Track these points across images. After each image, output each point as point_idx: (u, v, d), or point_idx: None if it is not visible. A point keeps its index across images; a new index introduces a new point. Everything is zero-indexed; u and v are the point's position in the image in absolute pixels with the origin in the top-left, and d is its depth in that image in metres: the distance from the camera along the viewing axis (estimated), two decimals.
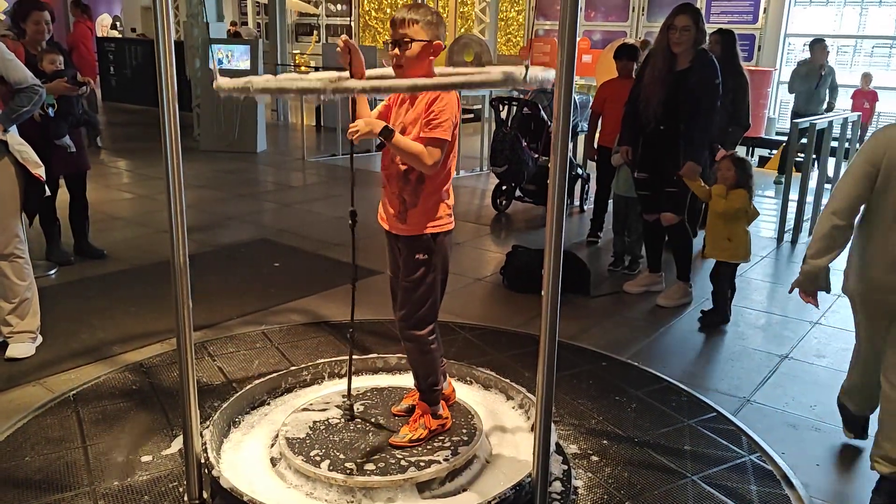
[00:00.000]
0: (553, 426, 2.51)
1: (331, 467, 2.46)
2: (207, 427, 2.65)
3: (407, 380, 3.24)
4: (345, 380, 3.21)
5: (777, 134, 11.90)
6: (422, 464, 2.49)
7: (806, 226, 6.45)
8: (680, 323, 4.37)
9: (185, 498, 2.49)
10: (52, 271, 4.85)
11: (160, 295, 4.39)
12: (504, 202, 7.08)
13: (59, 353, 3.63)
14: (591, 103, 6.56)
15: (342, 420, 2.77)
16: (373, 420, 2.78)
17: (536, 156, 6.70)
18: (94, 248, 5.20)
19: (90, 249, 5.18)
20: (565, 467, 2.72)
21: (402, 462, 2.50)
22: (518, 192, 7.00)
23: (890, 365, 2.59)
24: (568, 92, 2.10)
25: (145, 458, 2.75)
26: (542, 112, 6.75)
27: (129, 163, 9.26)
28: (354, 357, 3.38)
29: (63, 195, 5.01)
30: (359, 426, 2.74)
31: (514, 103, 6.94)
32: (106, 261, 5.14)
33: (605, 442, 2.95)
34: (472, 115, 12.73)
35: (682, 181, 4.30)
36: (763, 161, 10.77)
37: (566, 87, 2.06)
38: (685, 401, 3.30)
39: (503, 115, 6.94)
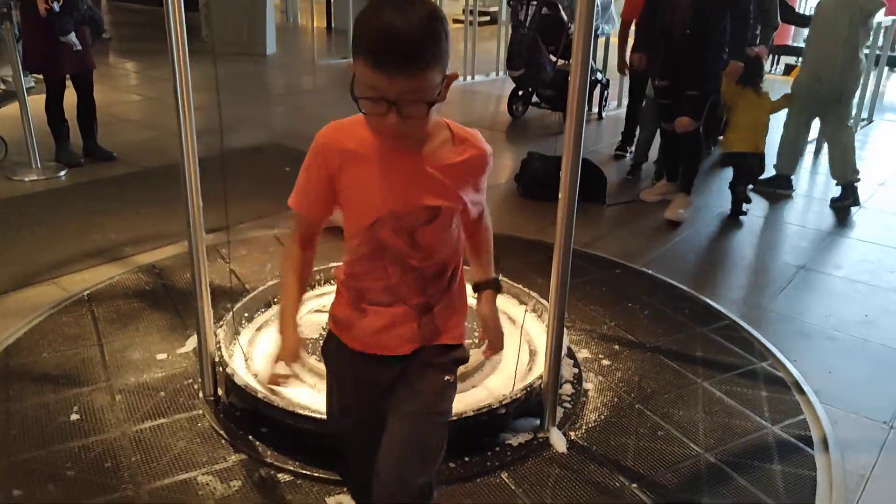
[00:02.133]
0: (565, 331, 2.51)
1: None
2: (221, 326, 2.66)
3: None
4: None
5: (805, 41, 11.47)
6: None
7: None
8: (695, 232, 4.31)
9: (201, 394, 2.53)
10: (62, 173, 4.82)
11: (171, 198, 4.36)
12: (520, 108, 6.91)
13: (72, 254, 3.64)
14: (612, 6, 6.30)
15: None
16: None
17: (555, 59, 6.49)
18: (104, 150, 5.15)
19: (99, 151, 5.13)
20: (576, 371, 2.74)
21: None
22: (535, 98, 6.82)
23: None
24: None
25: (160, 356, 2.78)
26: (562, 13, 6.48)
27: (136, 64, 9.08)
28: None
29: (70, 96, 4.92)
30: None
31: (532, 3, 6.66)
32: (116, 163, 5.09)
33: (616, 347, 2.96)
34: (488, 18, 12.32)
35: (703, 86, 4.19)
36: (789, 69, 10.42)
37: None
38: (698, 308, 3.29)
39: (521, 15, 6.67)
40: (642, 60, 4.52)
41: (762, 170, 4.79)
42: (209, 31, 9.93)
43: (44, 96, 4.85)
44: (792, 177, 5.10)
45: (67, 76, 4.84)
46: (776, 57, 10.20)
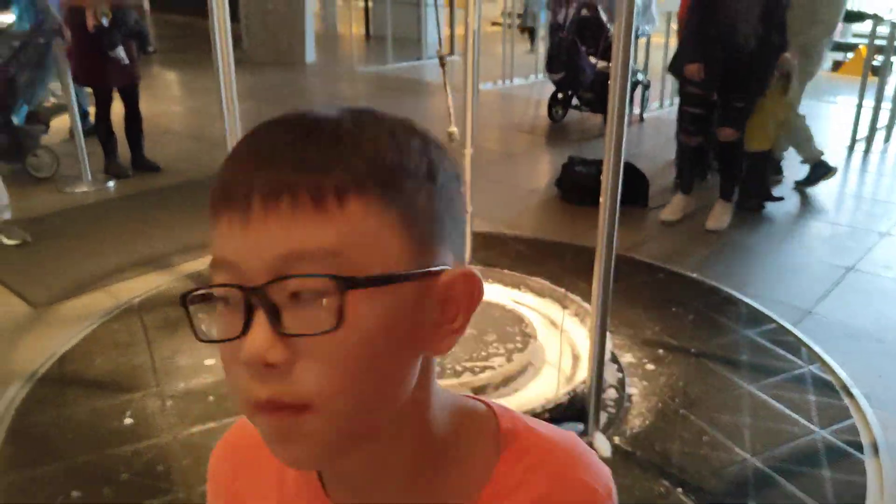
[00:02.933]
0: (608, 335, 2.50)
1: None
2: None
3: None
4: None
5: (854, 36, 11.19)
6: (476, 369, 2.52)
7: (880, 135, 6.12)
8: (739, 235, 4.24)
9: None
10: (110, 185, 4.95)
11: None
12: (560, 111, 6.88)
13: (121, 263, 3.74)
14: (653, 5, 6.24)
15: None
16: None
17: (594, 61, 6.45)
18: (150, 162, 5.27)
19: (146, 163, 5.26)
20: (620, 375, 2.73)
21: (457, 367, 2.53)
22: (575, 101, 6.79)
23: None
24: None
25: (208, 362, 2.84)
26: (601, 14, 6.45)
27: (179, 75, 9.28)
28: None
29: (117, 109, 5.06)
30: None
31: (571, 5, 6.64)
32: (161, 174, 5.21)
33: (660, 352, 2.93)
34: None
35: (754, 96, 4.11)
36: (837, 65, 10.20)
37: None
38: (744, 312, 3.24)
39: (560, 18, 6.65)
40: (702, 71, 4.06)
41: (778, 167, 4.69)
42: (250, 40, 10.10)
43: (92, 110, 4.99)
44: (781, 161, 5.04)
45: (115, 89, 4.97)
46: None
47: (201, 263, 3.75)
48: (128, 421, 2.49)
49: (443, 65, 3.09)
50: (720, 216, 4.32)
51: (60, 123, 5.37)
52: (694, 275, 3.64)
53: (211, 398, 2.61)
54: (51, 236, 4.06)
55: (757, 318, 3.20)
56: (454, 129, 3.14)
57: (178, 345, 2.96)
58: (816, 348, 2.95)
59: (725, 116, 4.16)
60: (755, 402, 2.61)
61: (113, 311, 3.23)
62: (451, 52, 10.86)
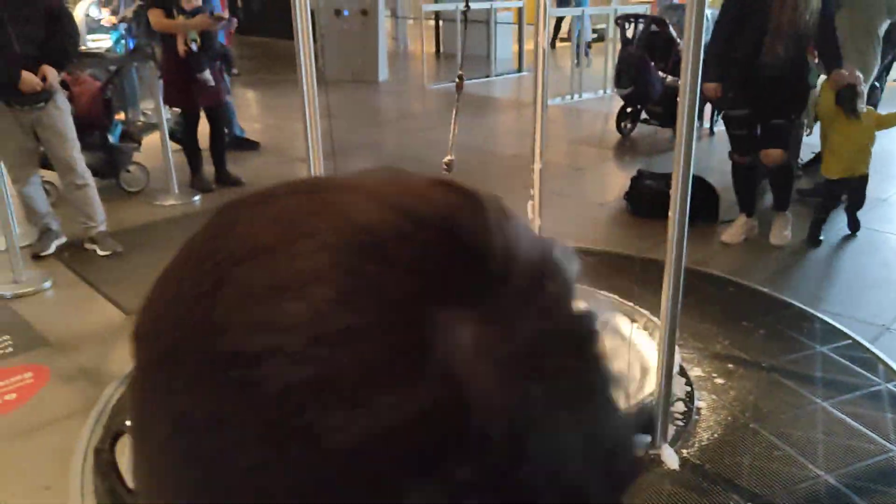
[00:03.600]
0: (677, 348, 2.52)
1: None
2: None
3: None
4: None
5: None
6: None
7: None
8: (816, 250, 4.16)
9: None
10: (196, 199, 5.22)
11: None
12: (629, 125, 6.88)
13: None
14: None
15: None
16: None
17: (664, 76, 6.43)
18: (233, 176, 5.53)
19: (229, 177, 5.52)
20: (688, 389, 2.74)
21: None
22: (643, 115, 6.77)
23: None
24: (701, 6, 2.02)
25: None
26: (671, 29, 6.44)
27: (258, 93, 9.65)
28: None
29: (203, 127, 5.33)
30: None
31: (640, 21, 6.65)
32: (243, 188, 5.46)
33: (730, 366, 2.92)
34: (595, 36, 12.30)
35: (791, 113, 4.04)
36: None
37: (699, 1, 1.98)
38: (818, 327, 3.19)
39: (629, 33, 6.67)
40: (718, 90, 4.07)
41: (863, 196, 4.32)
42: (326, 60, 10.42)
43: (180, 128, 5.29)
44: None
45: (201, 108, 5.25)
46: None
47: None
48: None
49: (458, 88, 3.17)
50: (780, 230, 4.26)
51: (152, 141, 5.69)
52: (765, 289, 3.60)
53: None
54: (141, 247, 4.31)
55: (831, 333, 3.14)
56: (451, 158, 3.18)
57: None
58: (894, 365, 2.88)
59: (766, 137, 4.07)
60: (829, 418, 2.58)
61: None
62: (521, 69, 10.97)
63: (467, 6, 3.30)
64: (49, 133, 3.92)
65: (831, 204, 4.30)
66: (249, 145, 6.49)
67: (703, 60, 2.05)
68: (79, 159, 4.08)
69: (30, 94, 3.75)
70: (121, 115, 5.77)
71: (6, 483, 2.37)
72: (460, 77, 3.19)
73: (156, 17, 4.88)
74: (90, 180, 4.17)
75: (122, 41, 6.54)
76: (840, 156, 4.14)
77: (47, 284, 3.80)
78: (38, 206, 4.12)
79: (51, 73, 3.77)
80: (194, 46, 4.83)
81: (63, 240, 4.27)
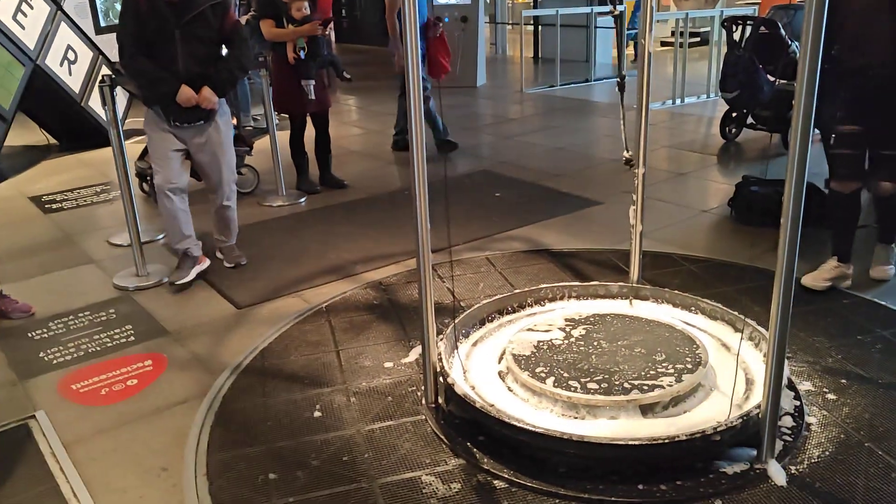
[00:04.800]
0: (785, 361, 2.43)
1: (556, 384, 2.59)
2: (441, 340, 2.88)
3: (625, 306, 3.28)
4: (566, 303, 3.32)
5: None
6: (645, 387, 2.54)
7: None
8: None
9: (423, 401, 2.76)
10: (302, 200, 5.42)
11: (394, 221, 4.76)
12: (734, 130, 6.67)
13: (312, 270, 4.10)
14: None
15: (565, 341, 2.88)
16: (594, 343, 2.86)
17: (773, 79, 6.19)
18: (337, 179, 5.72)
19: (333, 180, 5.70)
20: (797, 403, 2.63)
21: (626, 384, 2.56)
22: (749, 120, 6.55)
23: None
24: (820, 5, 1.95)
25: (387, 364, 3.06)
26: (782, 31, 6.19)
27: (359, 100, 9.91)
28: (575, 284, 3.47)
29: (309, 131, 5.53)
30: (581, 348, 2.83)
31: (749, 23, 6.42)
32: (347, 190, 5.63)
33: (843, 381, 2.79)
34: (698, 39, 11.96)
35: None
36: None
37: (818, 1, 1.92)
38: None
39: (736, 36, 6.46)
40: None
41: None
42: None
43: (288, 133, 5.50)
44: None
45: (308, 114, 5.45)
46: None
47: (383, 273, 4.03)
48: (317, 413, 2.74)
49: (621, 88, 3.15)
50: (882, 264, 3.72)
51: (262, 145, 5.95)
52: (884, 302, 3.41)
53: (389, 398, 2.82)
54: (252, 245, 4.51)
55: None
56: (629, 153, 3.18)
57: (362, 347, 3.21)
58: None
59: (880, 167, 3.49)
60: None
61: (305, 313, 3.56)
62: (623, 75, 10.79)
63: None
64: (202, 153, 3.88)
65: None
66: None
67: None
68: (229, 181, 4.01)
69: (189, 110, 3.72)
70: (234, 121, 6.06)
71: (127, 463, 2.54)
72: (622, 77, 3.20)
73: (267, 27, 5.11)
74: (234, 203, 4.10)
75: None
76: None
77: (165, 278, 4.04)
78: (181, 226, 3.88)
79: (207, 94, 3.72)
80: (303, 54, 5.01)
81: (205, 265, 4.07)
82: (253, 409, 2.79)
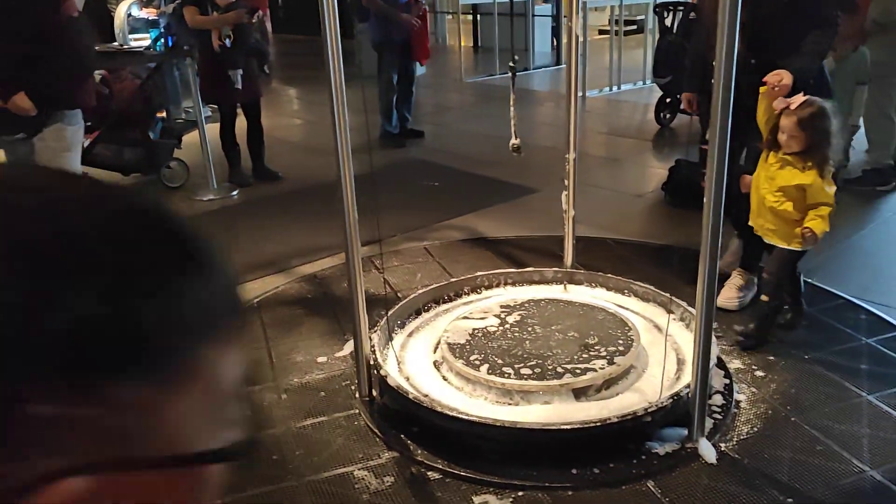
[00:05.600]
0: (715, 340, 2.46)
1: (490, 371, 2.57)
2: (375, 332, 2.83)
3: (559, 290, 3.28)
4: (502, 290, 3.31)
5: None
6: (578, 371, 2.54)
7: None
8: (858, 238, 4.03)
9: (357, 395, 2.70)
10: (234, 193, 5.28)
11: (330, 213, 4.66)
12: (668, 115, 6.75)
13: (244, 265, 3.97)
14: None
15: (500, 328, 2.86)
16: (529, 329, 2.85)
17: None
18: (270, 171, 5.59)
19: (266, 172, 5.57)
20: (727, 381, 2.67)
21: (559, 369, 2.55)
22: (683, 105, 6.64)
23: None
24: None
25: (321, 359, 3.00)
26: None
27: (298, 90, 9.74)
28: (511, 271, 3.46)
29: (240, 122, 5.39)
30: (515, 334, 2.81)
31: (680, 9, 6.51)
32: (281, 182, 5.51)
33: (770, 358, 2.84)
34: (634, 27, 12.11)
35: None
36: None
37: None
38: (864, 318, 3.09)
39: (668, 22, 6.54)
40: (694, 103, 3.44)
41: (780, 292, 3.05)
42: (361, 56, 10.45)
43: (218, 124, 5.35)
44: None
45: (238, 104, 5.31)
46: None
47: (318, 265, 3.95)
48: (247, 412, 2.65)
49: (512, 76, 3.13)
50: (730, 291, 3.24)
51: (192, 138, 5.77)
52: (809, 279, 3.49)
53: (322, 393, 2.75)
54: None
55: (878, 325, 3.03)
56: (517, 141, 3.13)
57: (294, 343, 3.14)
58: None
59: (747, 159, 3.15)
60: (875, 412, 2.49)
61: None
62: (559, 62, 10.85)
63: None
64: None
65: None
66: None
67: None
68: None
69: (2, 121, 3.18)
70: (161, 113, 5.88)
71: None
72: (513, 66, 3.17)
73: (191, 14, 4.95)
74: None
75: (162, 39, 6.64)
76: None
77: None
78: None
79: (19, 100, 3.14)
80: (228, 42, 4.87)
81: None
82: None
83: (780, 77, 2.72)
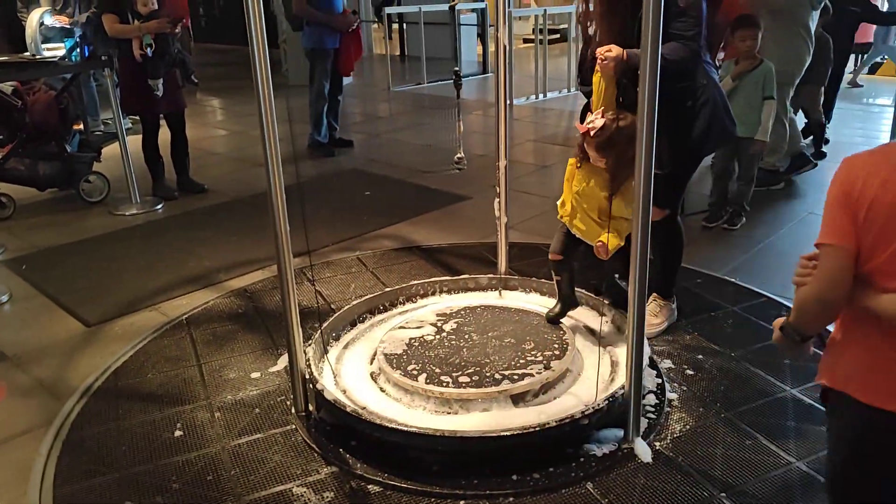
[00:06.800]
0: (647, 341, 2.50)
1: (427, 380, 2.55)
2: (310, 345, 2.78)
3: (495, 297, 3.30)
4: (437, 298, 3.30)
5: None
6: (515, 377, 2.55)
7: None
8: (779, 238, 4.20)
9: (293, 410, 2.65)
10: (159, 206, 5.12)
11: (259, 225, 4.58)
12: None
13: (171, 281, 3.87)
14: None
15: (436, 336, 2.85)
16: (465, 337, 2.85)
17: None
18: (196, 183, 5.44)
19: (192, 184, 5.43)
20: (659, 381, 2.73)
21: (496, 375, 2.56)
22: None
23: None
24: (657, 2, 2.00)
25: (254, 375, 2.92)
26: None
27: (223, 100, 9.54)
28: (446, 279, 3.45)
29: (164, 134, 5.24)
30: (452, 342, 2.81)
31: None
32: (207, 195, 5.37)
33: (700, 357, 2.92)
34: (557, 36, 12.35)
35: (670, 162, 2.77)
36: (875, 67, 10.03)
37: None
38: (786, 316, 3.20)
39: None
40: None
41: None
42: (288, 64, 10.32)
43: (140, 136, 5.18)
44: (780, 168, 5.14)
45: (161, 116, 5.16)
46: (859, 56, 9.82)
47: (248, 279, 3.85)
48: (178, 433, 2.57)
49: (457, 86, 3.14)
50: (652, 319, 3.11)
51: (112, 150, 5.58)
52: (732, 279, 3.62)
53: (257, 410, 2.68)
54: (103, 257, 4.21)
55: None
56: (461, 155, 3.13)
57: (227, 359, 3.05)
58: None
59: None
60: (800, 405, 2.58)
61: (163, 328, 3.35)
62: (486, 70, 10.97)
63: None
64: None
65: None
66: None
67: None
68: None
69: None
70: (79, 125, 5.65)
71: None
72: (457, 73, 3.12)
73: (110, 22, 4.78)
74: None
75: (77, 49, 6.40)
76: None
77: (4, 298, 3.69)
78: None
79: None
80: (150, 51, 4.73)
81: None
82: (105, 435, 2.58)
83: (609, 49, 2.60)
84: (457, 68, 3.11)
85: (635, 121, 2.40)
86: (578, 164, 2.78)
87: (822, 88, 5.75)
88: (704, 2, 2.73)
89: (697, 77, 2.79)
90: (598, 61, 2.62)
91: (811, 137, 5.91)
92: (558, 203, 2.92)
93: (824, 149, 5.95)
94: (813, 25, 4.86)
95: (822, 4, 4.91)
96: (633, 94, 2.37)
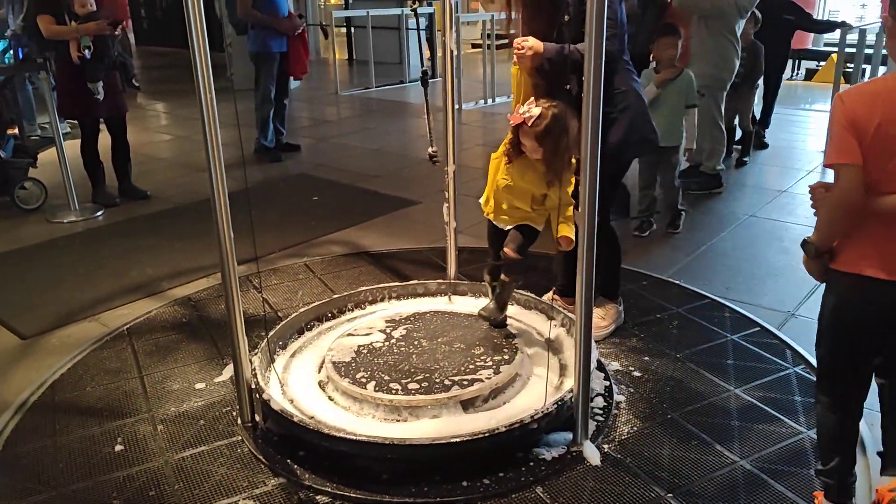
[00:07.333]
0: (594, 344, 2.53)
1: (376, 388, 2.53)
2: (256, 354, 2.73)
3: (444, 302, 3.30)
4: (386, 304, 3.28)
5: (826, 45, 11.39)
6: (465, 382, 2.54)
7: None
8: (721, 240, 4.30)
9: (239, 421, 2.59)
10: (99, 213, 4.97)
11: (204, 232, 4.48)
12: None
13: (111, 290, 3.75)
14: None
15: (385, 343, 2.83)
16: (415, 343, 2.83)
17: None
18: (138, 189, 5.30)
19: (134, 191, 5.29)
20: (607, 383, 2.75)
21: (446, 381, 2.55)
22: None
23: None
24: (601, 5, 2.03)
25: (199, 386, 2.85)
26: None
27: (166, 105, 9.34)
28: (395, 284, 3.43)
29: (104, 139, 5.09)
30: (402, 349, 2.79)
31: None
32: (150, 201, 5.24)
33: (646, 358, 2.97)
34: (506, 41, 12.44)
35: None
36: (810, 74, 10.37)
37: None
38: (728, 316, 3.28)
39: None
40: None
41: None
42: (234, 68, 10.15)
43: (79, 141, 5.03)
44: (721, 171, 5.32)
45: (101, 120, 5.01)
46: (796, 62, 10.15)
47: (192, 287, 3.77)
48: (119, 447, 2.49)
49: (425, 86, 3.16)
50: (601, 322, 3.14)
51: (49, 156, 5.40)
52: (677, 281, 3.69)
53: (202, 422, 2.62)
54: (40, 266, 4.07)
55: (741, 322, 3.24)
56: (434, 149, 3.19)
57: (169, 370, 2.97)
58: (800, 350, 2.99)
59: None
60: (742, 404, 2.64)
61: (103, 339, 3.24)
62: (434, 75, 10.99)
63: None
64: None
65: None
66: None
67: None
68: None
69: None
70: (13, 129, 5.46)
71: None
72: (424, 73, 3.13)
73: (45, 23, 4.63)
74: None
75: (11, 51, 6.18)
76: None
77: None
78: None
79: None
80: (88, 53, 4.59)
81: None
82: (42, 451, 2.48)
83: (525, 39, 2.58)
84: (425, 68, 3.21)
85: (566, 109, 2.50)
86: (508, 161, 2.76)
87: (754, 93, 5.94)
88: (622, 4, 2.75)
89: (615, 81, 2.79)
90: (515, 52, 2.62)
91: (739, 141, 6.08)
92: (481, 201, 2.92)
93: (764, 152, 6.14)
94: (739, 31, 5.01)
95: (749, 13, 5.07)
96: (554, 85, 2.53)
